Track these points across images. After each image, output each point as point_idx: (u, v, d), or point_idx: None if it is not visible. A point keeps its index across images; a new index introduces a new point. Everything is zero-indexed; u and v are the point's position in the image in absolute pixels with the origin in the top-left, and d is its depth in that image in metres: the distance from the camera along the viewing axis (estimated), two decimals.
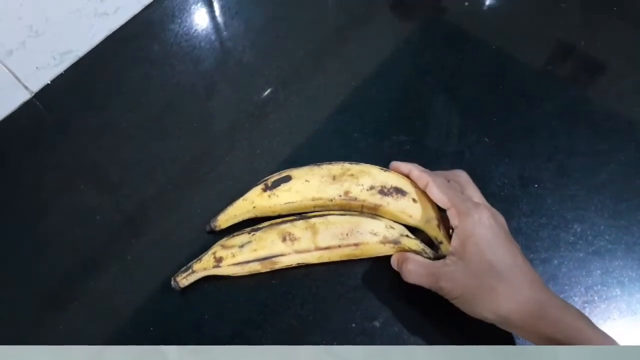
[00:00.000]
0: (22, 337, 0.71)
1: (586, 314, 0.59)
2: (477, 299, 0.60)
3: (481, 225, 0.62)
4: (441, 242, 0.69)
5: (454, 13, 0.98)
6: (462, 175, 0.71)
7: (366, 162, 0.74)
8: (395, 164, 0.73)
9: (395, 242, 0.69)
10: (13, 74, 0.86)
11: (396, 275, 0.70)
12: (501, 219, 0.65)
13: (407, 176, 0.72)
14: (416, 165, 0.71)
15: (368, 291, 0.72)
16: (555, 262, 0.72)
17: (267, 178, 0.75)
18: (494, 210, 0.65)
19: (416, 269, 0.66)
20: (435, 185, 0.67)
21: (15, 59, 0.84)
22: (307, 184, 0.73)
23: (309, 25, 0.98)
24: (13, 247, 0.78)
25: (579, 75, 0.90)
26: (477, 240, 0.61)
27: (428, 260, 0.67)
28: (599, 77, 0.90)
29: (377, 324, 0.69)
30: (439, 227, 0.70)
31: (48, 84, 0.92)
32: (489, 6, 0.99)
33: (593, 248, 0.73)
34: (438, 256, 0.68)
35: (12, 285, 0.75)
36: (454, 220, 0.64)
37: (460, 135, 0.83)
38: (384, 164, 0.74)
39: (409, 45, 0.94)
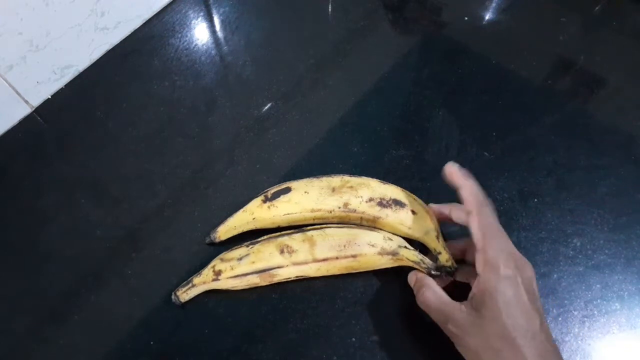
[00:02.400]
0: (23, 351, 0.71)
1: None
2: (480, 356, 0.57)
3: (505, 282, 0.57)
4: (440, 253, 0.69)
5: (454, 28, 0.99)
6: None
7: (366, 176, 0.74)
8: (436, 208, 0.71)
9: (394, 253, 0.69)
10: (13, 88, 0.86)
11: (396, 290, 0.70)
12: (529, 272, 0.60)
13: (445, 217, 0.70)
14: (457, 205, 0.68)
15: (368, 306, 0.72)
16: (555, 276, 0.72)
17: (267, 190, 0.75)
18: (524, 261, 0.61)
19: (431, 300, 0.63)
20: (482, 216, 0.62)
21: (16, 74, 0.85)
22: (307, 195, 0.74)
23: (309, 40, 0.98)
24: (13, 261, 0.78)
25: (579, 89, 0.91)
26: (497, 297, 0.56)
27: (445, 296, 0.64)
28: (598, 92, 0.90)
29: (376, 338, 0.69)
30: (437, 238, 0.70)
31: (48, 99, 0.92)
32: (489, 21, 0.99)
33: (592, 262, 0.73)
34: (437, 267, 0.68)
35: (13, 299, 0.75)
36: (479, 267, 0.60)
37: (459, 150, 0.83)
38: (384, 178, 0.74)
39: (408, 59, 0.94)
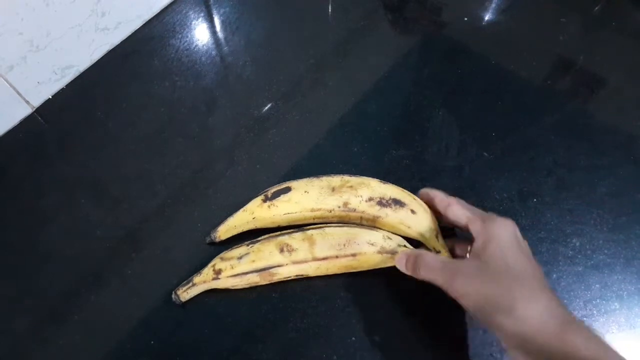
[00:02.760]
0: (23, 351, 0.71)
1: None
2: (493, 302, 0.56)
3: (506, 229, 0.61)
4: (439, 252, 0.69)
5: (454, 28, 0.99)
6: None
7: (366, 176, 0.74)
8: (424, 190, 0.73)
9: (393, 252, 0.69)
10: (14, 88, 0.86)
11: (396, 290, 0.70)
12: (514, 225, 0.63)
13: (431, 201, 0.72)
14: (441, 191, 0.71)
15: (368, 305, 0.72)
16: (554, 276, 0.72)
17: (267, 189, 0.75)
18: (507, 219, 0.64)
19: (432, 263, 0.63)
20: (458, 204, 0.67)
21: (17, 74, 0.85)
22: (307, 194, 0.74)
23: (309, 41, 0.98)
24: (13, 261, 0.78)
25: (579, 89, 0.91)
26: (499, 242, 0.60)
27: (445, 257, 0.66)
28: (598, 92, 0.90)
29: (377, 338, 0.69)
30: (437, 237, 0.70)
31: (49, 99, 0.92)
32: (489, 21, 0.99)
33: (592, 262, 0.73)
34: None
35: (13, 299, 0.75)
36: (475, 226, 0.63)
37: (459, 150, 0.83)
38: (384, 178, 0.74)
39: (408, 60, 0.94)
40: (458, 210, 0.66)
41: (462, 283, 0.59)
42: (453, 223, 0.68)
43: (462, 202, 0.68)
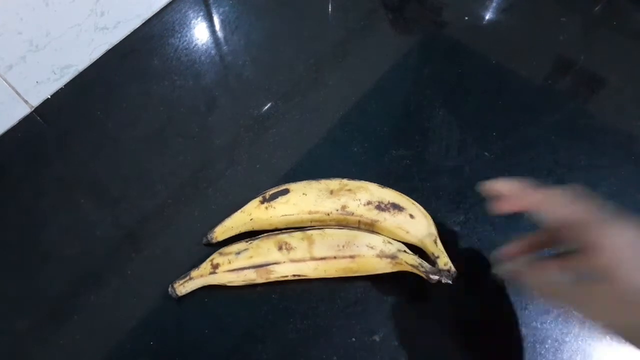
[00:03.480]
0: (23, 351, 0.71)
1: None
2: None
3: (634, 237, 0.48)
4: (438, 257, 0.69)
5: (454, 27, 0.99)
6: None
7: (366, 176, 0.75)
8: (489, 184, 0.60)
9: (393, 256, 0.69)
10: (13, 88, 0.86)
11: (396, 290, 0.70)
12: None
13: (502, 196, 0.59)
14: (514, 181, 0.59)
15: (368, 306, 0.71)
16: None
17: (265, 191, 0.75)
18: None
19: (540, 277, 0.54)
20: (552, 199, 0.55)
21: (16, 74, 0.85)
22: (305, 197, 0.74)
23: (309, 40, 0.98)
24: (13, 261, 0.78)
25: (579, 89, 0.91)
26: (630, 258, 0.47)
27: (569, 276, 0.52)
28: (598, 92, 0.90)
29: (377, 338, 0.69)
30: (435, 242, 0.70)
31: (48, 99, 0.92)
32: (489, 21, 0.99)
33: None
34: (435, 271, 0.68)
35: (12, 299, 0.75)
36: (586, 235, 0.50)
37: (460, 150, 0.83)
38: (384, 178, 0.75)
39: (409, 59, 0.94)
40: (558, 210, 0.54)
41: (599, 312, 0.51)
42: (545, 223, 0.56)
43: (555, 193, 0.55)
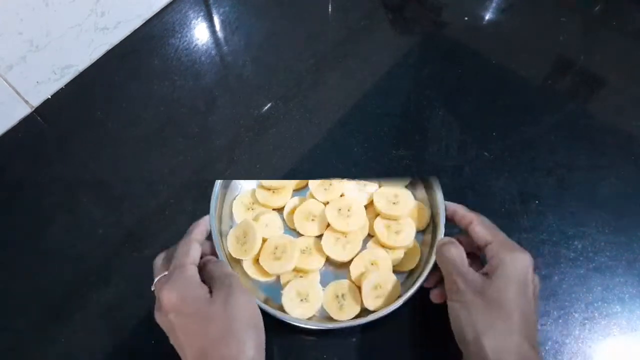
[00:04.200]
0: (24, 350, 0.71)
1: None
2: (471, 320, 0.58)
3: (519, 264, 0.60)
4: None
5: (454, 28, 0.99)
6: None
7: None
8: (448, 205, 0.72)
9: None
10: (13, 88, 0.86)
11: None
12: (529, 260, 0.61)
13: (452, 217, 0.71)
14: (462, 206, 0.70)
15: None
16: (556, 278, 0.72)
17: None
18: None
19: (454, 257, 0.64)
20: (480, 224, 0.66)
21: (16, 74, 0.85)
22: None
23: (309, 40, 0.98)
24: (15, 261, 0.78)
25: (579, 89, 0.91)
26: (507, 275, 0.59)
27: (466, 259, 0.65)
28: (598, 92, 0.90)
29: (377, 338, 0.69)
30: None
31: (48, 99, 0.92)
32: (489, 21, 0.99)
33: (593, 264, 0.73)
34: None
35: (15, 297, 0.75)
36: (491, 252, 0.62)
37: (459, 150, 0.83)
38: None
39: (408, 59, 0.94)
40: (480, 231, 0.65)
41: (461, 284, 0.60)
42: (473, 240, 0.66)
43: (485, 220, 0.67)
